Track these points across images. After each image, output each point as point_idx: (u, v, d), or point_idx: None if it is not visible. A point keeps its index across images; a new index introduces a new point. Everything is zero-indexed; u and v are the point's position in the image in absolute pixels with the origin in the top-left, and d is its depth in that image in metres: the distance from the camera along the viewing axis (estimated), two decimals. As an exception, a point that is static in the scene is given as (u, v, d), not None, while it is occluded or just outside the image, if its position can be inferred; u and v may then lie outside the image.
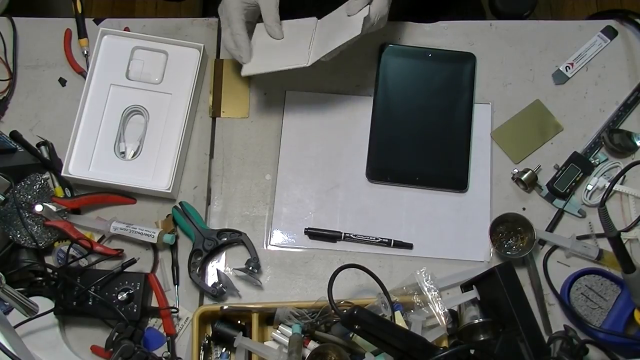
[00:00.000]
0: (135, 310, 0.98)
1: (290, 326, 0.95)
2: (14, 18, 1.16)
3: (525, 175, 1.05)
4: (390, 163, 1.08)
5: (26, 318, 0.91)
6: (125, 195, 1.07)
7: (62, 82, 1.14)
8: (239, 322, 1.00)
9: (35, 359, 0.91)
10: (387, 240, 1.05)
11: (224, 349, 1.00)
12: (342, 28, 0.98)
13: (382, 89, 1.11)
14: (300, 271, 1.05)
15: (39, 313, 0.91)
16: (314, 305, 0.96)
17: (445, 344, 0.95)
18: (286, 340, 0.94)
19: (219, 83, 1.13)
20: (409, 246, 1.05)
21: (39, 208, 1.02)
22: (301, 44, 1.01)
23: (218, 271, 1.03)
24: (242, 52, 1.00)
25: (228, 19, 1.00)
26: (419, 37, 1.14)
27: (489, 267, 1.01)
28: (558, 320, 1.01)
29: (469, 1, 1.40)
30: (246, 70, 1.02)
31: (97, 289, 0.99)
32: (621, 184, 1.06)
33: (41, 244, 1.02)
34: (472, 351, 0.86)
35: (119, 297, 0.99)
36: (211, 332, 1.00)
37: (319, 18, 1.04)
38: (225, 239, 1.04)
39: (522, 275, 1.02)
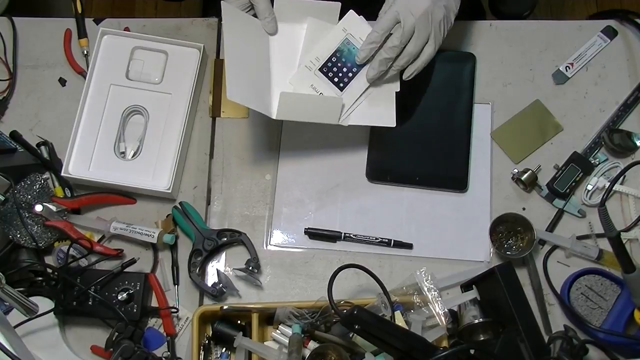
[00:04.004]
0: (135, 310, 0.98)
1: (290, 326, 0.95)
2: (14, 18, 1.16)
3: (525, 175, 1.05)
4: (390, 163, 1.08)
5: (26, 318, 0.91)
6: (125, 195, 1.07)
7: (62, 82, 1.14)
8: (239, 322, 1.00)
9: (35, 359, 0.91)
10: (387, 240, 1.04)
11: (224, 349, 1.00)
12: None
13: (382, 89, 1.11)
14: (300, 271, 1.05)
15: (39, 313, 0.91)
16: (314, 305, 0.96)
17: (445, 344, 0.95)
18: (286, 340, 0.94)
19: (219, 83, 1.13)
20: (409, 246, 1.05)
21: (39, 208, 1.02)
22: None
23: (218, 271, 1.03)
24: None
25: None
26: (419, 37, 1.14)
27: (489, 267, 1.01)
28: (558, 320, 1.01)
29: (469, 1, 1.39)
30: (280, 114, 0.96)
31: (97, 289, 0.99)
32: (621, 184, 1.06)
33: (41, 244, 1.02)
34: (472, 351, 0.86)
35: (119, 297, 0.99)
36: (211, 332, 1.00)
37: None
38: (225, 239, 1.04)
39: (522, 275, 1.02)
